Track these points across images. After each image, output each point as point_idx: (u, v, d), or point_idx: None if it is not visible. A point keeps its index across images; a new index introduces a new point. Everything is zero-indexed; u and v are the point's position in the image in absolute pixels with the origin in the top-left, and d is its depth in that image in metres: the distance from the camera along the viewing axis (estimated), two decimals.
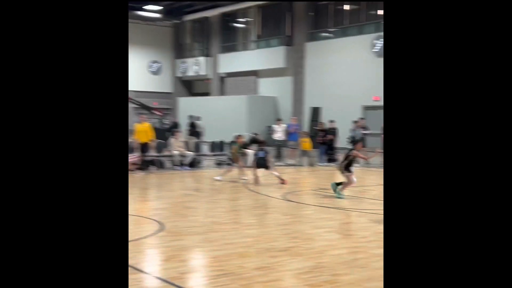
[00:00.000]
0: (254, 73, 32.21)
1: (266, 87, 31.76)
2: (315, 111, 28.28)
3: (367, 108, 25.83)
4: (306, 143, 18.23)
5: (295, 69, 29.48)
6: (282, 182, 12.72)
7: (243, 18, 33.26)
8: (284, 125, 18.96)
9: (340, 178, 10.95)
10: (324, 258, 5.97)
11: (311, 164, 17.78)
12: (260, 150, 13.37)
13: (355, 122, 18.79)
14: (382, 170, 17.02)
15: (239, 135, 14.55)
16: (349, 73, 26.40)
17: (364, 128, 18.89)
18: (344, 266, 5.65)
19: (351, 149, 11.20)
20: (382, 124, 19.63)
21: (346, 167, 10.74)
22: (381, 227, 7.85)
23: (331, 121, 18.89)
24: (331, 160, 18.43)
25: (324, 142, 18.34)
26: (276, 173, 13.05)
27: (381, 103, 24.97)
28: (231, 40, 33.68)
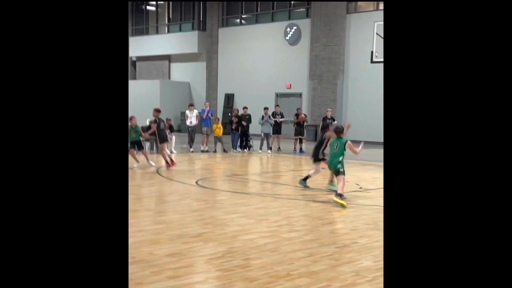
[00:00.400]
0: (167, 58, 31.64)
1: (179, 72, 31.33)
2: (229, 98, 28.31)
3: (280, 95, 26.24)
4: (219, 129, 18.22)
5: (208, 54, 29.29)
6: (169, 165, 12.89)
7: (154, 0, 32.47)
8: (197, 111, 18.81)
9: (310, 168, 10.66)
10: (236, 243, 6.00)
11: (225, 150, 17.82)
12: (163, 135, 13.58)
13: (266, 108, 18.99)
14: (295, 156, 17.39)
15: (152, 120, 14.26)
16: (263, 60, 26.64)
17: (280, 115, 19.16)
18: (255, 251, 5.71)
19: (323, 134, 10.82)
20: (294, 111, 20.02)
21: (319, 154, 10.31)
22: (292, 212, 8.03)
23: (245, 108, 18.99)
24: (245, 146, 18.58)
25: (237, 128, 18.41)
26: (166, 155, 13.19)
27: (294, 90, 25.48)
28: (142, 23, 32.82)
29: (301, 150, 18.50)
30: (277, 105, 20.44)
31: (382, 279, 4.83)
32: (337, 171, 8.79)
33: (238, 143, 18.53)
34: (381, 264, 5.36)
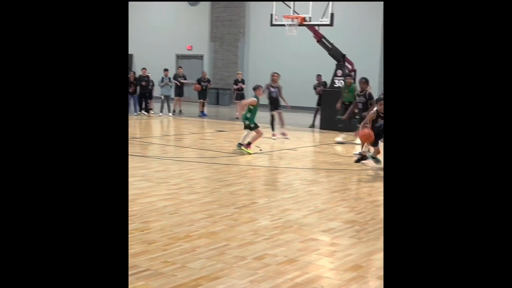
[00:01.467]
0: None
1: None
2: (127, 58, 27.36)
3: (181, 57, 25.78)
4: None
5: None
6: None
7: None
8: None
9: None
10: (135, 207, 5.90)
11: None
12: None
13: (166, 70, 18.54)
14: (195, 119, 17.26)
15: None
16: (162, 21, 25.91)
17: (183, 77, 18.81)
18: (154, 213, 5.66)
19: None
20: (196, 74, 19.78)
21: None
22: (192, 174, 8.01)
23: (143, 69, 18.43)
24: (145, 109, 18.12)
25: (135, 91, 17.84)
26: None
27: (195, 52, 25.11)
28: None
29: (203, 113, 18.45)
30: (179, 67, 20.00)
31: (280, 236, 5.00)
32: (249, 127, 10.39)
33: (138, 106, 18.03)
34: (279, 222, 5.53)
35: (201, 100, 18.63)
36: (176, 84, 18.54)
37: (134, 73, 18.59)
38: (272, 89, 12.92)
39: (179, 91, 18.58)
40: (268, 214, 5.81)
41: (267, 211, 5.89)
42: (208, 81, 19.24)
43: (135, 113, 17.78)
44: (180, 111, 18.48)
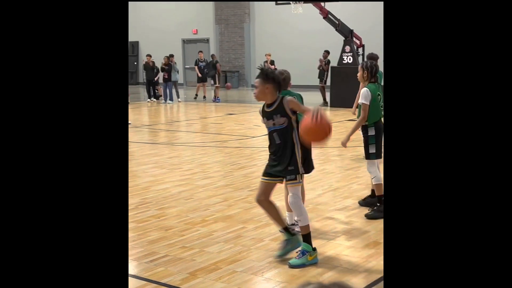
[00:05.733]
0: None
1: None
2: (133, 46, 27.30)
3: (187, 41, 25.68)
4: None
5: None
6: None
7: None
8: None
9: None
10: (150, 194, 5.93)
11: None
12: None
13: (171, 56, 18.24)
14: (206, 104, 17.23)
15: None
16: (166, 6, 25.76)
17: (204, 61, 18.47)
18: (170, 200, 5.68)
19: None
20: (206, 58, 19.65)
21: None
22: (205, 159, 8.02)
23: (148, 56, 18.27)
24: (154, 96, 18.09)
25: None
26: None
27: (200, 36, 24.99)
28: None
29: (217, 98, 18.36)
30: (200, 51, 19.40)
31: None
32: None
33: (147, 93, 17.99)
34: None
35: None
36: (198, 69, 18.11)
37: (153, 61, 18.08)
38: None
39: (202, 77, 18.00)
40: (283, 194, 5.81)
41: (281, 192, 5.89)
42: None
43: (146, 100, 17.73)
44: (204, 97, 18.10)
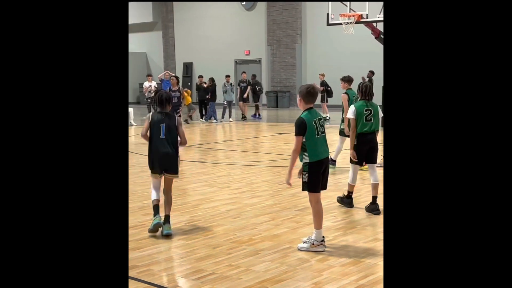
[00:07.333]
0: None
1: (135, 42, 30.64)
2: (187, 67, 27.95)
3: (240, 62, 26.05)
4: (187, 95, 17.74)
5: (164, 23, 28.70)
6: None
7: None
8: (154, 82, 18.48)
9: None
10: (199, 212, 6.02)
11: (187, 121, 17.59)
12: None
13: (227, 76, 18.78)
14: (257, 123, 17.38)
15: None
16: (220, 27, 26.29)
17: (246, 82, 18.81)
18: (218, 218, 5.75)
19: None
20: (257, 79, 19.87)
21: None
22: (254, 178, 8.08)
23: (200, 77, 18.64)
24: (206, 116, 18.36)
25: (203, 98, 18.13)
26: None
27: (252, 57, 25.31)
28: None
29: (258, 116, 18.55)
30: (243, 72, 19.94)
31: (341, 238, 4.96)
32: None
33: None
34: (340, 224, 5.48)
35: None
36: (240, 89, 18.56)
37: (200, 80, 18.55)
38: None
39: (243, 97, 18.44)
40: (331, 215, 5.77)
41: (329, 212, 5.85)
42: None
43: (201, 120, 17.96)
44: (244, 116, 18.41)
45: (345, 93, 8.09)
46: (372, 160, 5.94)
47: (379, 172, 6.24)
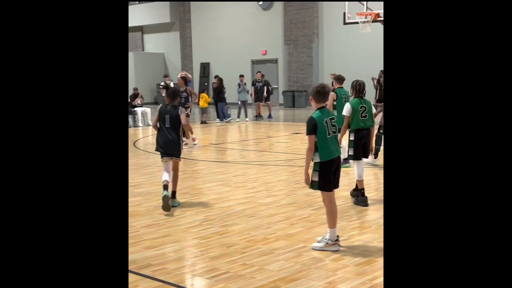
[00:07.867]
0: (139, 29, 31.09)
1: (153, 43, 30.85)
2: (204, 67, 28.05)
3: (256, 62, 26.06)
4: (202, 99, 17.78)
5: (181, 24, 28.84)
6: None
7: None
8: (173, 82, 18.57)
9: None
10: (214, 211, 6.04)
11: (203, 122, 17.63)
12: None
13: (241, 76, 18.66)
14: (273, 123, 17.38)
15: None
16: (236, 27, 26.33)
17: (261, 82, 18.78)
18: (233, 217, 5.76)
19: None
20: (274, 78, 19.84)
21: None
22: (269, 177, 8.08)
23: (216, 76, 18.65)
24: (224, 116, 18.38)
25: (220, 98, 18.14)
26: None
27: (269, 56, 25.29)
28: None
29: (269, 115, 18.57)
30: (258, 72, 19.94)
31: (356, 238, 4.93)
32: None
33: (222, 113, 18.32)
34: (355, 223, 5.46)
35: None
36: (254, 89, 18.56)
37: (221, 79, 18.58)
38: None
39: (258, 96, 18.46)
40: (346, 215, 5.75)
41: (344, 212, 5.83)
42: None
43: (220, 120, 17.97)
44: (261, 116, 18.38)
45: (333, 91, 8.22)
46: (364, 155, 6.35)
47: (379, 171, 6.21)
